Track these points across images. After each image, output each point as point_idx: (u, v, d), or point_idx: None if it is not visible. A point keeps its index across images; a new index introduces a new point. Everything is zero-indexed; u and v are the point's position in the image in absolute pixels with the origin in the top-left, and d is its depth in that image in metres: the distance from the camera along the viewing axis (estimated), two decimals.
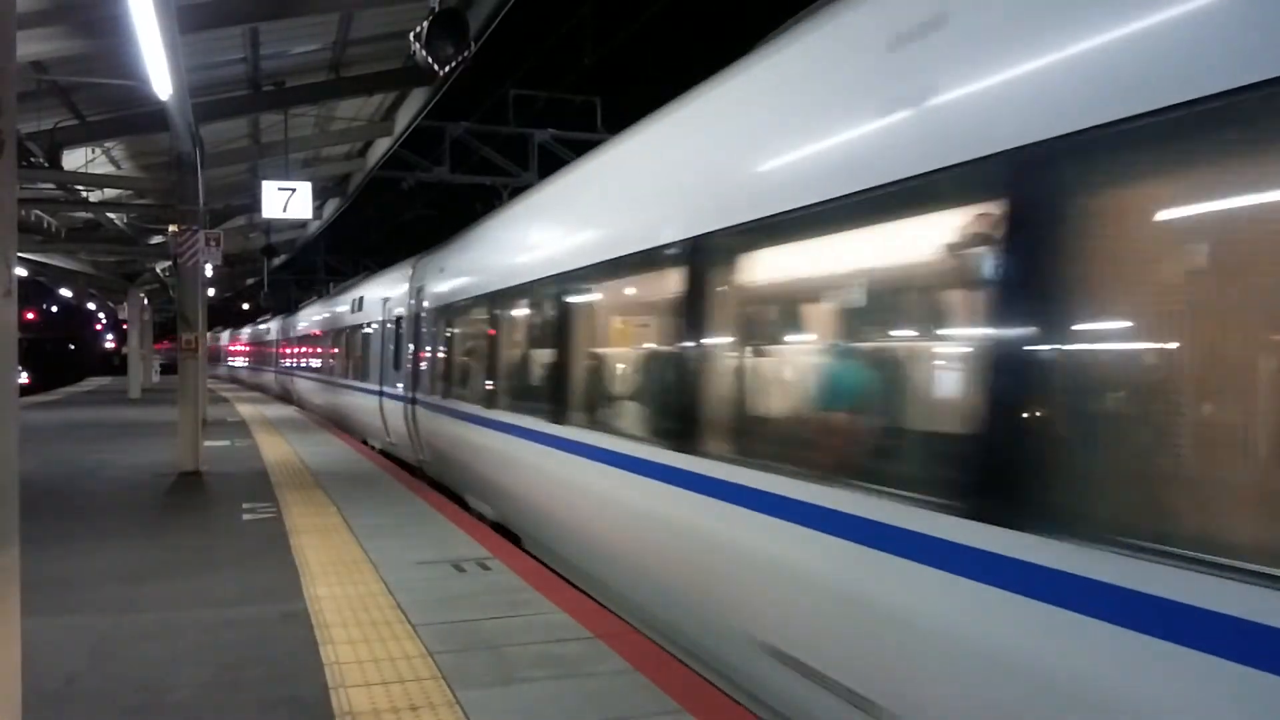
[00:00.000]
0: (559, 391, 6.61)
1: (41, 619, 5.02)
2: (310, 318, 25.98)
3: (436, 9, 7.20)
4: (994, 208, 2.90)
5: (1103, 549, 2.43)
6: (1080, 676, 2.48)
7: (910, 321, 3.84)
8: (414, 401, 11.93)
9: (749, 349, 4.58)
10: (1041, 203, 2.75)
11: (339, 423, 18.60)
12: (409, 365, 12.44)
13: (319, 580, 6.09)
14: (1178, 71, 2.35)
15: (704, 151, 5.00)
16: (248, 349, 45.25)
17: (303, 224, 23.44)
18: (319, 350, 23.19)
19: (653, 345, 5.76)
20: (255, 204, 14.05)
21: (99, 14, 8.49)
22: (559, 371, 6.70)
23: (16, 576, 3.02)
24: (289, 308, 36.57)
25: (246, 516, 8.44)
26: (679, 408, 4.86)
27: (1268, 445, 2.44)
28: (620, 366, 6.36)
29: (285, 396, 29.24)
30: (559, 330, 6.81)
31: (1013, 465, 2.76)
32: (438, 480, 10.91)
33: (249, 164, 17.33)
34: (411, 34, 7.22)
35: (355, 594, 5.75)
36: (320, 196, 20.99)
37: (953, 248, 3.18)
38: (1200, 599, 2.19)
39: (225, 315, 59.94)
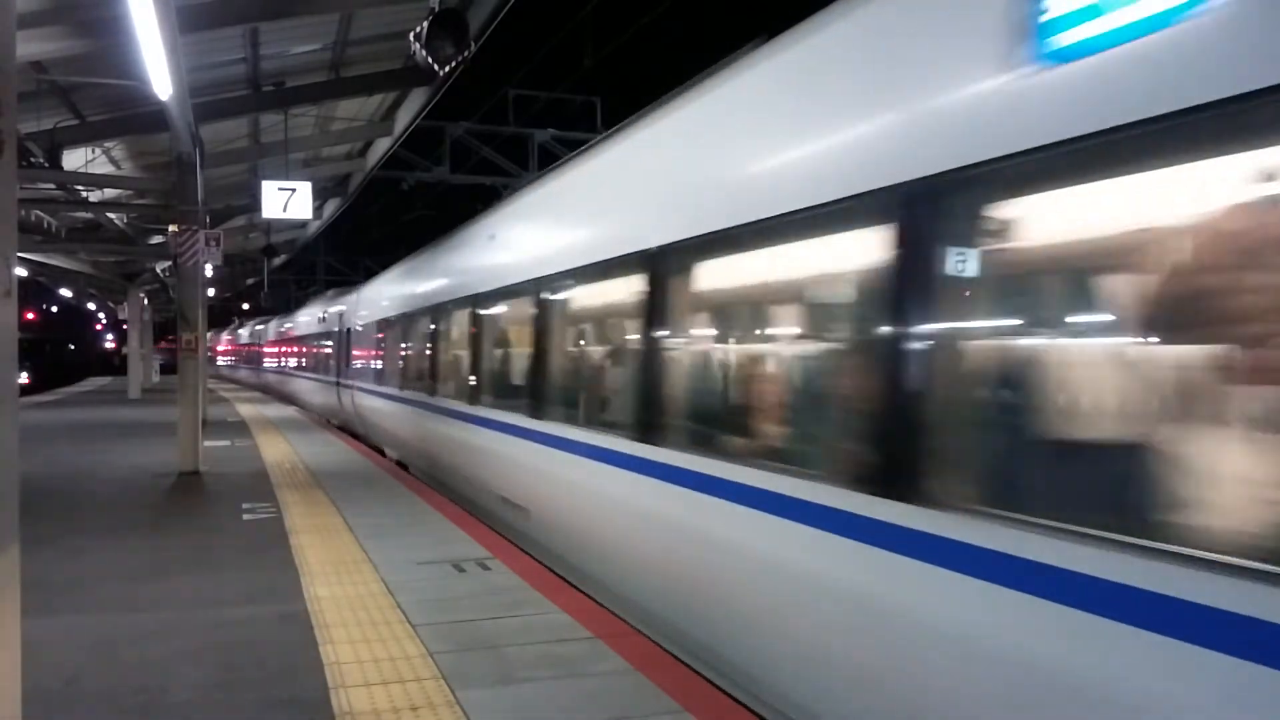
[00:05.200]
0: (423, 374, 11.74)
1: (41, 619, 5.02)
2: (274, 329, 34.37)
3: (436, 9, 7.20)
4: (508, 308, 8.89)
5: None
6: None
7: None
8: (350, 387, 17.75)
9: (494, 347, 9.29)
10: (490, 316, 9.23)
11: (299, 403, 25.25)
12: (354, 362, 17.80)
13: (319, 580, 6.09)
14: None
15: (466, 258, 10.31)
16: (232, 350, 53.26)
17: (303, 224, 23.44)
18: (280, 351, 32.34)
19: (453, 347, 10.83)
20: (255, 204, 14.05)
21: (99, 14, 8.49)
22: (423, 363, 11.82)
23: (17, 576, 3.02)
24: (269, 312, 38.70)
25: (246, 516, 8.44)
26: (465, 379, 9.71)
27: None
28: (440, 357, 11.27)
29: (257, 385, 36.49)
30: (422, 342, 12.13)
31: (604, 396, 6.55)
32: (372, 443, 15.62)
33: (249, 164, 17.33)
34: (411, 34, 7.22)
35: (355, 594, 5.75)
36: (320, 196, 20.99)
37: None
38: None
39: (225, 316, 59.90)
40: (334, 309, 21.01)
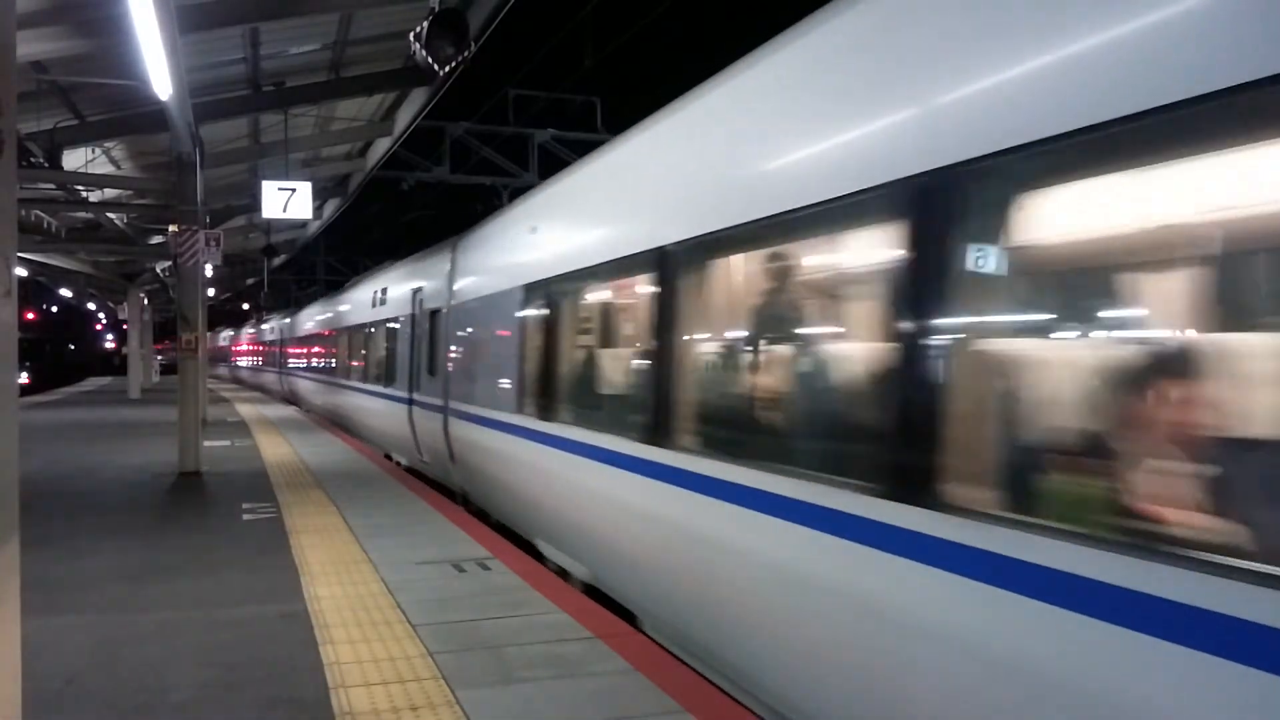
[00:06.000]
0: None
1: (42, 619, 5.02)
2: (310, 319, 25.33)
3: (436, 9, 7.20)
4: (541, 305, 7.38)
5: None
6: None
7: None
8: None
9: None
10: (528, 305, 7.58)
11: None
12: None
13: (319, 580, 6.09)
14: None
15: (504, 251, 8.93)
16: (254, 349, 41.52)
17: (303, 224, 23.44)
18: (310, 351, 24.13)
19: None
20: (255, 204, 14.05)
21: (99, 14, 8.48)
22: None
23: (17, 576, 3.02)
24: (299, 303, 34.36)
25: (246, 517, 8.44)
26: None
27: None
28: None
29: (286, 397, 28.73)
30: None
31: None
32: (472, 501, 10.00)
33: (249, 164, 17.33)
34: (411, 34, 7.22)
35: (355, 594, 5.75)
36: (320, 196, 20.98)
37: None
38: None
39: (236, 314, 59.59)
40: (408, 282, 13.10)
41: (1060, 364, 3.12)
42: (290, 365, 28.32)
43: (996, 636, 2.74)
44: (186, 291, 12.07)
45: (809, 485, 3.70)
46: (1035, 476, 2.88)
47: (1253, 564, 2.15)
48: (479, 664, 4.49)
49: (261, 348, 37.70)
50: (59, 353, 67.74)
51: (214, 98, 12.57)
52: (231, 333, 53.25)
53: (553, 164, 16.10)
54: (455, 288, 10.56)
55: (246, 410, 23.04)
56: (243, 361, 45.08)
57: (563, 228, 7.54)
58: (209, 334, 54.10)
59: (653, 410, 5.11)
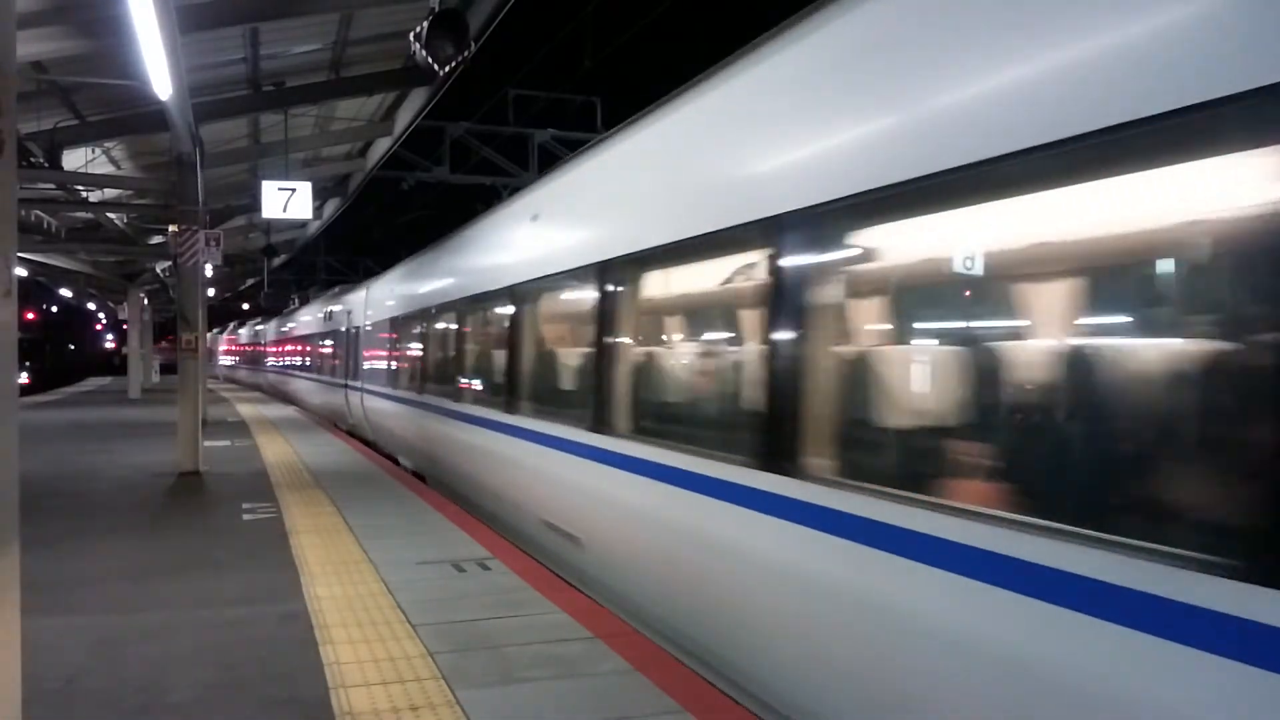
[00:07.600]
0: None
1: (41, 619, 5.02)
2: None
3: (436, 9, 7.21)
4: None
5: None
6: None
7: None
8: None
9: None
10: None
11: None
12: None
13: (319, 580, 6.09)
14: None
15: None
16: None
17: (303, 224, 23.45)
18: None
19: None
20: (255, 204, 14.05)
21: (99, 14, 8.49)
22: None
23: (16, 576, 3.02)
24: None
25: (246, 516, 8.44)
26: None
27: None
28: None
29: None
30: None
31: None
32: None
33: (249, 164, 17.33)
34: (411, 34, 7.23)
35: (355, 594, 5.75)
36: (320, 196, 20.99)
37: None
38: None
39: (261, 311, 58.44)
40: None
41: None
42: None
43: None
44: (186, 291, 12.07)
45: None
46: None
47: None
48: (479, 664, 4.49)
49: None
50: (59, 353, 67.73)
51: (214, 98, 12.58)
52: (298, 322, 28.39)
53: (553, 164, 16.07)
54: None
55: (246, 410, 23.05)
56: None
57: None
58: (248, 325, 52.11)
59: None
